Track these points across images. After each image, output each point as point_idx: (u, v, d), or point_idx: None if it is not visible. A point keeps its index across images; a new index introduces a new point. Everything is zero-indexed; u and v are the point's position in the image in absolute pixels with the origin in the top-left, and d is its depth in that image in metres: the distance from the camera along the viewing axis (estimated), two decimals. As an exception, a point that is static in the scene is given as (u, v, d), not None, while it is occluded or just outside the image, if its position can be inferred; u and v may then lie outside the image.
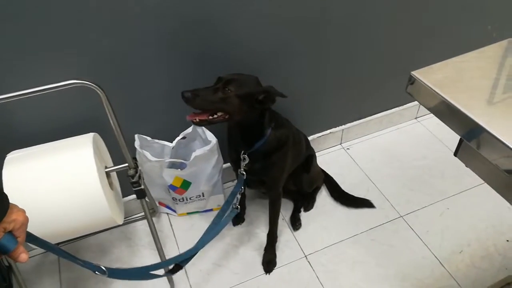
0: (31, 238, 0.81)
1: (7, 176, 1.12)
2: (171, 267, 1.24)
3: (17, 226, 0.72)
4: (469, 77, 0.83)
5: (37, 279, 1.57)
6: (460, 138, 0.81)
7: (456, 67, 0.85)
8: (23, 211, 0.74)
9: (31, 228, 0.78)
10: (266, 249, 1.60)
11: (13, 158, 1.18)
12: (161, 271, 1.22)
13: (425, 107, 0.83)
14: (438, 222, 1.69)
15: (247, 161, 1.34)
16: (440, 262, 1.55)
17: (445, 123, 0.79)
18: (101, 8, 1.19)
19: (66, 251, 0.93)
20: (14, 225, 0.71)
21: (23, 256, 0.72)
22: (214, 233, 1.28)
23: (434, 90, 0.78)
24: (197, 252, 1.24)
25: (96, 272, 0.99)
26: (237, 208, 1.39)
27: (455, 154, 0.83)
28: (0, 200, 0.71)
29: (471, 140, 0.75)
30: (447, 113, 0.77)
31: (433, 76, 0.81)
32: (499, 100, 0.77)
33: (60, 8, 1.15)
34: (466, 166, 0.84)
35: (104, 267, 1.00)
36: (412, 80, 0.82)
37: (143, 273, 1.17)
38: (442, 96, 0.77)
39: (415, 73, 0.82)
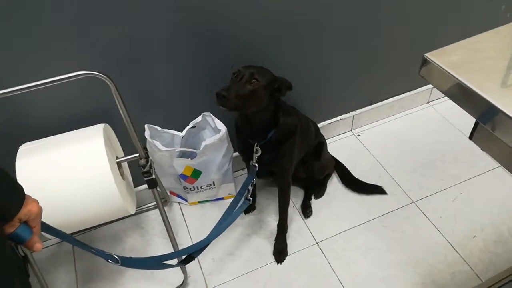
0: (45, 227, 0.83)
1: (20, 168, 1.13)
2: (183, 257, 1.25)
3: (32, 216, 0.73)
4: (484, 58, 0.80)
5: (53, 268, 1.60)
6: (476, 121, 0.79)
7: (471, 48, 0.82)
8: (37, 202, 0.76)
9: (45, 219, 0.79)
10: (276, 239, 1.60)
11: (26, 150, 1.19)
12: (173, 261, 1.23)
13: (439, 90, 0.81)
14: (451, 207, 1.67)
15: (259, 153, 1.33)
16: (453, 247, 1.54)
17: (460, 105, 0.76)
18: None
19: (78, 240, 0.95)
20: (29, 216, 0.73)
21: (38, 246, 0.74)
22: (226, 224, 1.30)
23: (448, 72, 0.75)
24: (209, 243, 1.25)
25: (109, 261, 1.00)
26: (249, 199, 1.39)
27: (470, 137, 0.81)
28: (17, 192, 0.72)
29: (487, 122, 0.73)
30: (462, 95, 0.75)
31: (447, 58, 0.78)
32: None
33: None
34: (482, 150, 0.82)
35: (117, 256, 1.01)
36: (425, 63, 0.80)
37: (156, 263, 1.18)
38: (456, 78, 0.74)
39: (429, 55, 0.79)
